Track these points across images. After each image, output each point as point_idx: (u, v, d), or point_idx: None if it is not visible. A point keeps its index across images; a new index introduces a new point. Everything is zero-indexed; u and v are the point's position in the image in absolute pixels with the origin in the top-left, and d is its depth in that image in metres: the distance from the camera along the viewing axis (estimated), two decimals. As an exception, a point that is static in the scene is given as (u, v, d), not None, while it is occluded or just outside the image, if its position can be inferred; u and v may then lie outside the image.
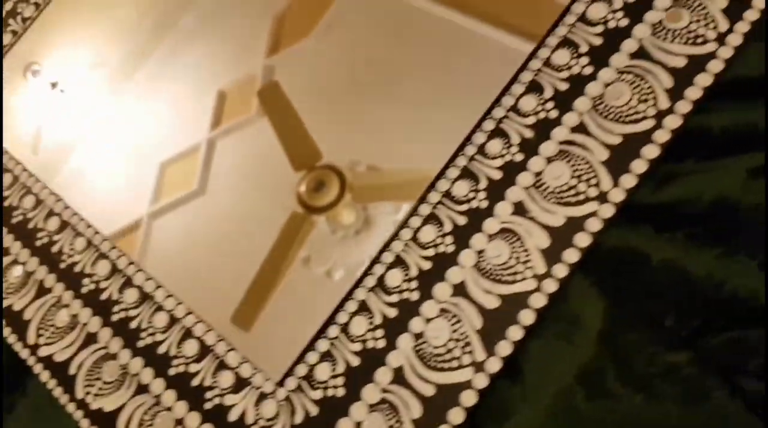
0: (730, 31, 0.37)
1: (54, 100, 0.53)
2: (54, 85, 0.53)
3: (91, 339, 0.42)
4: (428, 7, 0.45)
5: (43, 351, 0.43)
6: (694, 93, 0.36)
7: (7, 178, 0.51)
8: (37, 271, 0.46)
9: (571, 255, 0.35)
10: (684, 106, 0.36)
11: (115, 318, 0.42)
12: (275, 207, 0.43)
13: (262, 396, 0.38)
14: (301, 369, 0.37)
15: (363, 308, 0.38)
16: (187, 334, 0.41)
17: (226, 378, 0.39)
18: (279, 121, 0.46)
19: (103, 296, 0.43)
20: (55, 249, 0.46)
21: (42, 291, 0.45)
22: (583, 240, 0.35)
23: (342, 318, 0.38)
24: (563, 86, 0.39)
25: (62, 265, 0.45)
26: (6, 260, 0.47)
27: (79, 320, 0.43)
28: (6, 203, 0.49)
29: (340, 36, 0.47)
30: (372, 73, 0.45)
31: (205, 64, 0.50)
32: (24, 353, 0.43)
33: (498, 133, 0.39)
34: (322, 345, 0.38)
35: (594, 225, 0.35)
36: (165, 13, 0.53)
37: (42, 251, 0.46)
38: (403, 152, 0.42)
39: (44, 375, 0.42)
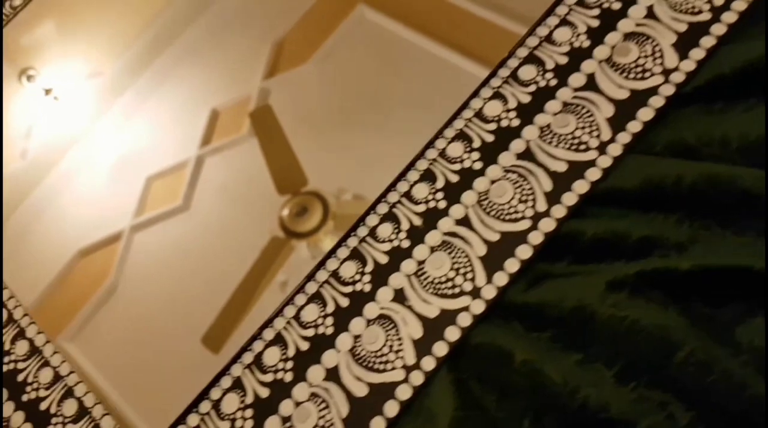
0: (612, 140, 0.39)
1: (47, 106, 0.53)
2: (48, 91, 0.53)
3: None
4: (421, 42, 0.46)
5: None
6: (570, 199, 0.38)
7: None
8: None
9: (441, 349, 0.37)
10: (559, 211, 0.38)
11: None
12: (257, 229, 0.44)
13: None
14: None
15: (237, 385, 0.39)
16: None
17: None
18: (268, 144, 0.47)
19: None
20: None
21: None
22: (453, 334, 0.37)
23: (215, 394, 0.39)
24: (454, 178, 0.41)
25: None
26: None
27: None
28: None
29: (338, 65, 0.48)
30: (365, 104, 0.46)
31: (202, 81, 0.50)
32: None
33: (390, 217, 0.41)
34: (192, 420, 0.39)
35: (465, 319, 0.37)
36: (167, 27, 0.53)
37: None
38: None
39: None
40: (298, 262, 0.43)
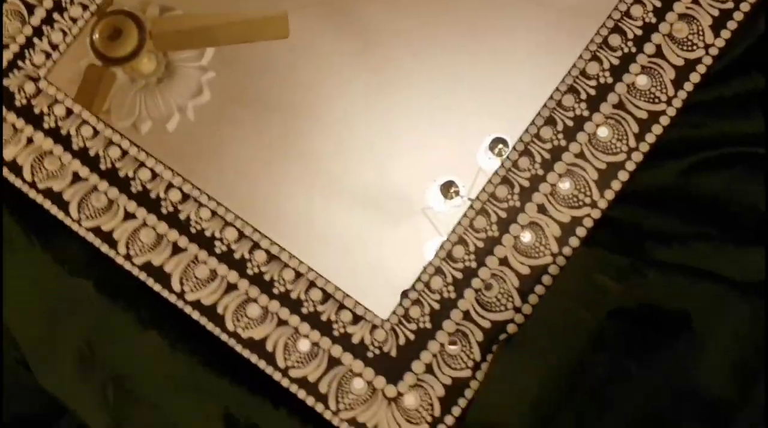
0: (675, 96, 0.59)
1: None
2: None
3: (232, 287, 0.58)
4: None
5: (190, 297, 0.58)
6: (650, 138, 0.58)
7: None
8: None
9: (574, 241, 0.57)
10: (644, 146, 0.58)
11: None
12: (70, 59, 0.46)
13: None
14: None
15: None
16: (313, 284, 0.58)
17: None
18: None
19: (237, 255, 0.59)
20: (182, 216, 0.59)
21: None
22: (581, 231, 0.57)
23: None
24: (570, 123, 0.59)
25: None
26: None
27: (218, 273, 0.58)
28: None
29: None
30: None
31: None
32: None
33: (526, 152, 0.59)
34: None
35: (588, 222, 0.57)
36: None
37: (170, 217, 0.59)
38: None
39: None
40: (118, 89, 0.50)
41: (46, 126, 0.60)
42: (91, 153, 0.60)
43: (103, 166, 0.59)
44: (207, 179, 0.56)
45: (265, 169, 0.57)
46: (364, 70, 0.58)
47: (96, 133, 0.60)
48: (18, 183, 0.59)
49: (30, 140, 0.60)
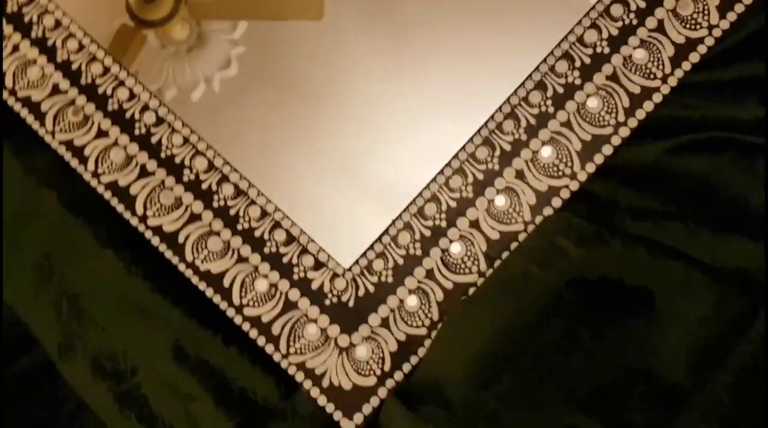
0: (671, 74, 0.57)
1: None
2: None
3: (195, 217, 0.57)
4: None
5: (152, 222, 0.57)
6: (640, 114, 0.56)
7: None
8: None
9: (548, 210, 0.56)
10: (633, 122, 0.56)
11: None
12: (103, 17, 0.49)
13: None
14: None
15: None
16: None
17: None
18: None
19: (204, 186, 0.57)
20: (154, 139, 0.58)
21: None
22: (556, 202, 0.56)
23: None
24: (560, 89, 0.57)
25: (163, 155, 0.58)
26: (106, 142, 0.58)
27: (183, 202, 0.57)
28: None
29: None
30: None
31: None
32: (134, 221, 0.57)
33: (512, 115, 0.57)
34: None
35: (565, 193, 0.56)
36: None
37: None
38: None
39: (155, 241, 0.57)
40: (148, 53, 0.50)
41: (33, 35, 0.60)
42: (74, 67, 0.59)
43: (83, 81, 0.59)
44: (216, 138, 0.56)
45: (273, 138, 0.56)
46: (392, 62, 0.57)
47: (81, 47, 0.59)
48: (-3, 89, 0.59)
49: (16, 48, 0.60)
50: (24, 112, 0.57)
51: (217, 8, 0.48)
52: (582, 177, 0.55)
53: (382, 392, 0.53)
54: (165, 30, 0.44)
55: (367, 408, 0.53)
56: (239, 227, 0.56)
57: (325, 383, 0.53)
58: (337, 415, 0.53)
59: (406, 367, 0.53)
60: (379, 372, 0.53)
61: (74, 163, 0.56)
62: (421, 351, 0.54)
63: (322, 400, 0.53)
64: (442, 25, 0.57)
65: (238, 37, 0.54)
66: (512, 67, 0.56)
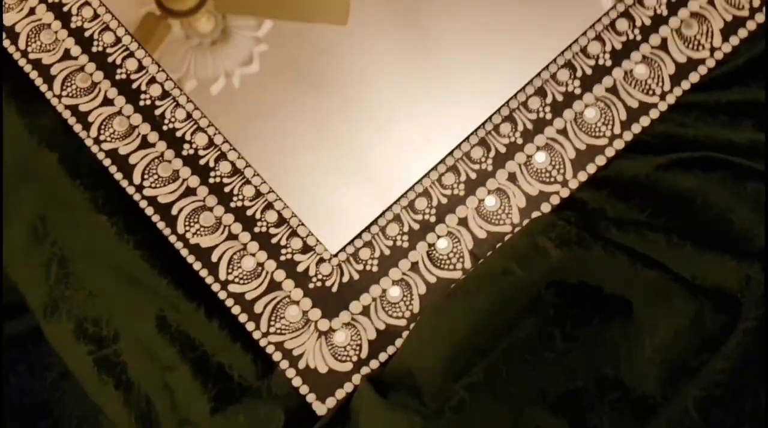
0: (670, 91, 0.58)
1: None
2: None
3: (191, 191, 0.58)
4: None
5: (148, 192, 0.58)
6: (636, 128, 0.57)
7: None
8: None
9: (537, 213, 0.56)
10: (628, 135, 0.57)
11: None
12: (132, 3, 0.50)
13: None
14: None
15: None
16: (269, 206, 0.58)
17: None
18: None
19: (202, 161, 0.58)
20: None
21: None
22: (545, 207, 0.56)
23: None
24: (560, 97, 0.58)
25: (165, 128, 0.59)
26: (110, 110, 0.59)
27: (180, 175, 0.58)
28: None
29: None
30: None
31: None
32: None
33: (509, 118, 0.58)
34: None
35: (555, 199, 0.56)
36: None
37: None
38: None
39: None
40: (171, 42, 0.51)
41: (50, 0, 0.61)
42: (87, 34, 0.60)
43: (94, 49, 0.60)
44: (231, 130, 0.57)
45: (283, 129, 0.57)
46: (414, 70, 0.58)
47: (96, 16, 0.60)
48: (11, 49, 0.60)
49: (32, 11, 0.61)
50: (33, 74, 0.58)
51: (244, 4, 0.49)
52: (573, 184, 0.55)
53: (357, 378, 0.53)
54: (190, 21, 0.45)
55: (340, 393, 0.53)
56: (232, 205, 0.56)
57: (302, 365, 0.54)
58: (311, 397, 0.53)
59: (383, 356, 0.54)
60: (355, 358, 0.54)
61: (77, 128, 0.57)
62: (399, 342, 0.54)
63: (297, 381, 0.54)
64: (461, 32, 0.58)
65: (263, 35, 0.55)
66: (522, 72, 0.57)
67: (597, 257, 0.48)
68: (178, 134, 0.58)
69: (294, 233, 0.56)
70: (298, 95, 0.56)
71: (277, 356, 0.54)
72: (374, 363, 0.54)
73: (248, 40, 0.51)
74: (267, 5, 0.50)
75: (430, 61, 0.58)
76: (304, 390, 0.53)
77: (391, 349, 0.54)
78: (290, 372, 0.54)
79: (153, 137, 0.57)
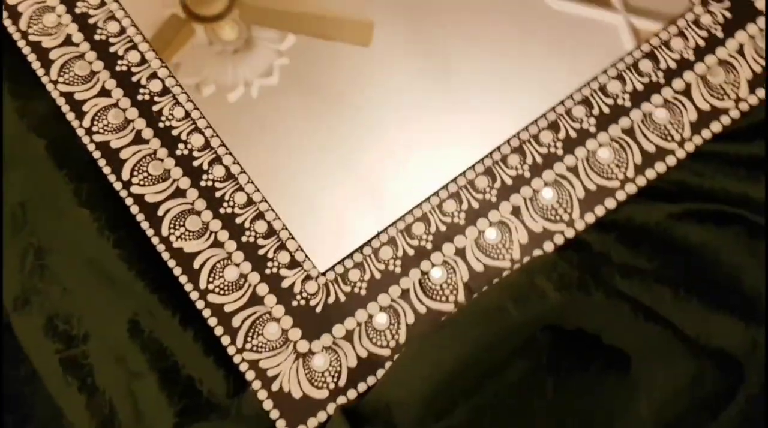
0: (689, 139, 0.55)
1: None
2: None
3: (180, 193, 0.55)
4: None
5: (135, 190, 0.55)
6: (650, 174, 0.54)
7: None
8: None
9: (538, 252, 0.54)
10: (641, 180, 0.54)
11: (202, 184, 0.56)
12: (156, 4, 0.49)
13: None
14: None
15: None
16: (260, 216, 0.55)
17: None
18: None
19: (195, 163, 0.56)
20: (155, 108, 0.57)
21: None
22: (548, 246, 0.54)
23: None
24: (573, 134, 0.55)
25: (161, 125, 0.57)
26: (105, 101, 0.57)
27: (171, 175, 0.56)
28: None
29: None
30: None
31: None
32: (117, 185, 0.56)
33: (518, 150, 0.55)
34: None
35: (559, 239, 0.54)
36: None
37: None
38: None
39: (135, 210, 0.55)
40: (194, 47, 0.50)
41: (56, -18, 0.59)
42: (91, 21, 0.58)
43: (97, 37, 0.58)
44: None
45: (293, 142, 0.55)
46: (430, 96, 0.56)
47: (103, 4, 0.58)
48: (12, 29, 0.58)
49: (38, -9, 0.59)
50: (32, 57, 0.56)
51: (270, 16, 0.48)
52: (579, 226, 0.53)
53: (331, 408, 0.50)
54: (214, 27, 0.44)
55: (312, 422, 0.50)
56: (222, 211, 0.54)
57: (275, 387, 0.51)
58: (281, 423, 0.50)
59: (362, 386, 0.51)
60: (332, 386, 0.51)
61: (70, 116, 0.55)
62: (381, 374, 0.51)
63: (268, 404, 0.51)
64: (481, 61, 0.57)
65: (285, 48, 0.54)
66: (537, 105, 0.55)
67: (598, 304, 0.45)
68: (174, 133, 0.55)
69: (282, 246, 0.54)
70: (312, 111, 0.55)
71: (250, 375, 0.51)
72: (352, 393, 0.51)
73: (270, 52, 0.50)
74: (293, 20, 0.50)
75: (447, 87, 0.56)
76: (274, 414, 0.50)
77: (371, 380, 0.51)
78: (262, 394, 0.51)
79: (147, 133, 0.55)
